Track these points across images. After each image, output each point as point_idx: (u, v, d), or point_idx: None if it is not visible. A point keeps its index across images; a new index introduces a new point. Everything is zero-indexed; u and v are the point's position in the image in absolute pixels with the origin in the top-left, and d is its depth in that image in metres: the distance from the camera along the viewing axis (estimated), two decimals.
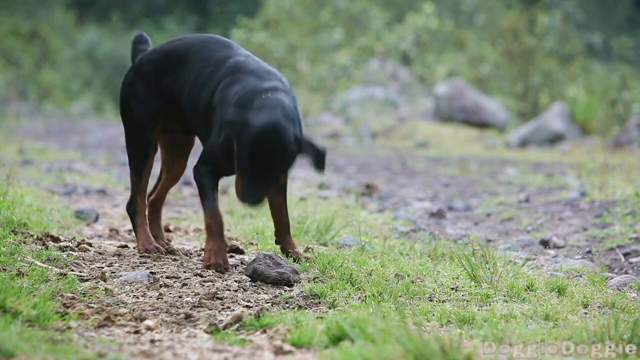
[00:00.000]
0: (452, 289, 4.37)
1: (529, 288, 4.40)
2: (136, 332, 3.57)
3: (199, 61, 4.61)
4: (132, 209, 4.86)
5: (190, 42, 4.72)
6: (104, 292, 4.08)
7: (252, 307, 3.97)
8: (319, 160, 4.27)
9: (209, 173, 4.45)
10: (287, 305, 4.02)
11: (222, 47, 4.65)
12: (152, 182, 5.06)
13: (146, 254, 4.78)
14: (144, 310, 3.84)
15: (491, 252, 4.66)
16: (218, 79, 4.50)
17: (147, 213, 4.92)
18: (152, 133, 4.76)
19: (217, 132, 4.39)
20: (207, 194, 4.45)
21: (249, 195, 4.23)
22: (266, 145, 4.17)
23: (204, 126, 4.55)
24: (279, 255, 4.48)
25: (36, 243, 4.82)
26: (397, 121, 17.16)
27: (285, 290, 4.21)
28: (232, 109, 4.33)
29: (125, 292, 4.14)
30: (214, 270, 4.46)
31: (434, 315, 3.89)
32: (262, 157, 4.19)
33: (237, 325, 3.62)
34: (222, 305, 3.98)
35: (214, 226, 4.44)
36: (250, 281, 4.35)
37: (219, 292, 4.16)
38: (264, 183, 4.25)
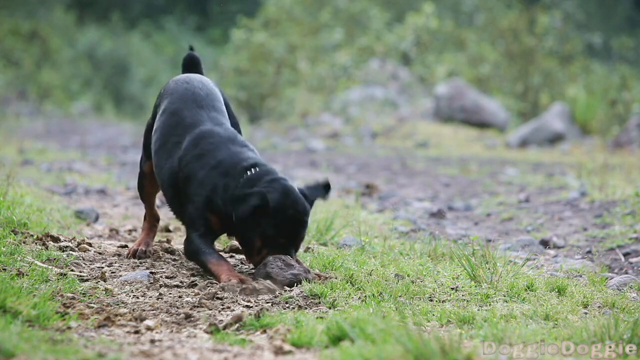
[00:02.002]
0: (452, 289, 4.37)
1: (529, 288, 4.40)
2: (136, 332, 3.57)
3: (167, 117, 4.73)
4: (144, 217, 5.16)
5: (173, 83, 4.86)
6: (104, 292, 4.08)
7: (252, 307, 3.97)
8: (326, 193, 4.46)
9: (203, 243, 4.42)
10: (287, 305, 4.02)
11: (193, 104, 4.70)
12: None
13: (130, 255, 4.83)
14: (144, 310, 3.84)
15: (491, 252, 4.66)
16: (182, 152, 4.55)
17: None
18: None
19: (192, 202, 4.42)
20: (207, 259, 4.39)
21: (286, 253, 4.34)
22: (290, 210, 4.29)
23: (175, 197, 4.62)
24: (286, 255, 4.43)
25: (36, 243, 4.82)
26: (397, 121, 17.16)
27: (286, 290, 4.21)
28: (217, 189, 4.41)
29: (125, 292, 4.13)
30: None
31: (434, 315, 3.89)
32: (289, 222, 4.29)
33: (237, 325, 3.62)
34: (222, 305, 3.98)
35: (224, 271, 4.35)
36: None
37: (219, 292, 4.15)
38: (296, 243, 4.38)
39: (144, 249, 4.87)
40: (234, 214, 4.24)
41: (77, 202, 7.09)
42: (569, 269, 5.13)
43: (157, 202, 7.36)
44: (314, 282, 4.26)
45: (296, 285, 4.24)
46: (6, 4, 25.18)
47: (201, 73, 5.06)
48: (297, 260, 4.39)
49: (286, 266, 4.27)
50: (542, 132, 15.10)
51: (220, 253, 4.70)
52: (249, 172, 4.36)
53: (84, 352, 3.21)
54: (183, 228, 6.02)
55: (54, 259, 4.53)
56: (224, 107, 4.77)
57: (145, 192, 5.09)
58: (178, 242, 5.53)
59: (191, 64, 5.10)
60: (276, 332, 3.53)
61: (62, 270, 4.35)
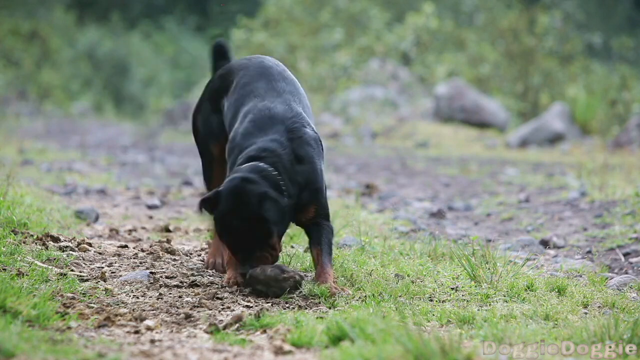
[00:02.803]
0: (452, 289, 4.37)
1: (529, 288, 4.40)
2: (136, 332, 3.57)
3: (239, 94, 4.54)
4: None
5: (246, 65, 4.65)
6: (104, 292, 4.08)
7: (252, 307, 3.97)
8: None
9: None
10: (287, 305, 4.02)
11: (269, 80, 4.53)
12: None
13: (205, 266, 4.71)
14: (144, 310, 3.84)
15: (491, 252, 4.66)
16: (241, 120, 4.42)
17: None
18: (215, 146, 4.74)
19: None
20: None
21: (241, 267, 4.17)
22: (230, 216, 4.09)
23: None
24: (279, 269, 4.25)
25: (36, 243, 4.82)
26: (397, 121, 17.16)
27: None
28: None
29: (125, 292, 4.13)
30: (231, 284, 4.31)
31: (434, 315, 3.89)
32: (238, 226, 4.08)
33: (237, 325, 3.62)
34: (222, 305, 3.98)
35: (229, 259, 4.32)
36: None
37: (219, 292, 4.15)
38: (251, 250, 4.13)
39: (220, 260, 4.67)
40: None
41: (77, 202, 7.09)
42: (569, 269, 5.13)
43: (157, 202, 7.37)
44: (307, 282, 4.22)
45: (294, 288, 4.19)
46: (6, 4, 25.17)
47: (229, 60, 4.87)
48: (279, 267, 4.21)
49: (279, 274, 4.19)
50: (542, 132, 15.09)
51: None
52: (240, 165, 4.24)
53: (84, 352, 3.21)
54: (183, 228, 6.03)
55: (54, 259, 4.53)
56: (296, 86, 4.57)
57: (215, 182, 4.67)
58: (178, 242, 5.53)
59: (221, 53, 4.91)
60: (276, 332, 3.53)
61: (62, 270, 4.35)
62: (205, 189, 4.81)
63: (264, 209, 4.07)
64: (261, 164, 4.19)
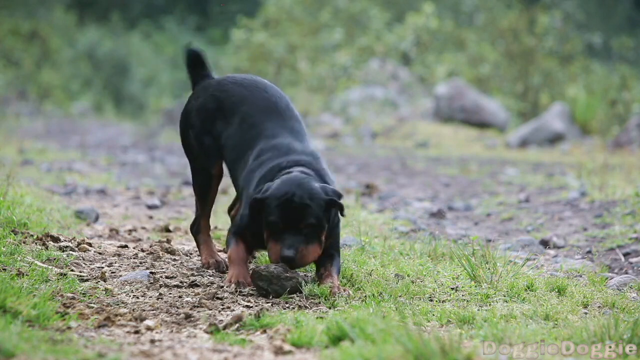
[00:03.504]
0: (452, 289, 4.37)
1: (529, 288, 4.40)
2: (136, 332, 3.57)
3: (243, 129, 4.53)
4: (195, 229, 4.81)
5: (241, 87, 4.65)
6: (104, 292, 4.08)
7: (252, 307, 3.97)
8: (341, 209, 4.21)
9: (238, 244, 4.35)
10: (287, 305, 4.02)
11: (267, 101, 4.55)
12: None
13: (207, 268, 4.69)
14: (144, 310, 3.84)
15: (491, 252, 4.66)
16: (254, 149, 4.43)
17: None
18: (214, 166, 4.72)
19: (245, 205, 4.36)
20: (237, 255, 4.34)
21: (284, 250, 4.10)
22: (289, 193, 4.11)
23: (239, 188, 4.53)
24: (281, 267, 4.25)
25: (36, 243, 4.82)
26: (397, 121, 17.16)
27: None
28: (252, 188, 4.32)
29: (125, 292, 4.14)
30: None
31: (434, 315, 3.89)
32: (288, 205, 4.09)
33: (237, 325, 3.62)
34: (222, 305, 3.98)
35: (234, 255, 4.32)
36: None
37: (219, 292, 4.16)
38: (299, 235, 4.11)
39: (221, 259, 4.69)
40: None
41: (77, 202, 7.09)
42: (569, 269, 5.13)
43: (157, 201, 7.37)
44: (307, 282, 4.23)
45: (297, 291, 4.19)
46: (6, 4, 25.18)
47: (209, 71, 4.83)
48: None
49: (282, 272, 4.19)
50: (542, 132, 15.10)
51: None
52: (283, 172, 4.27)
53: (84, 352, 3.21)
54: (183, 228, 6.03)
55: (54, 259, 4.53)
56: (300, 121, 4.61)
57: (211, 197, 4.75)
58: (178, 242, 5.53)
59: (197, 62, 4.87)
60: (276, 332, 3.53)
61: (62, 270, 4.35)
62: (197, 205, 4.79)
63: (324, 195, 4.15)
64: (305, 169, 4.27)
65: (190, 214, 6.91)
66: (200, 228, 4.79)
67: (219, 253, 4.92)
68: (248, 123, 4.53)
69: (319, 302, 4.04)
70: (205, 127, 4.65)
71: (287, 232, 4.11)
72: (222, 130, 4.60)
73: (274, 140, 4.44)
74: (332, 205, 4.17)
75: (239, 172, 4.50)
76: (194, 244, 5.47)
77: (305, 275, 4.33)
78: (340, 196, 4.21)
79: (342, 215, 4.22)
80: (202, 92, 4.73)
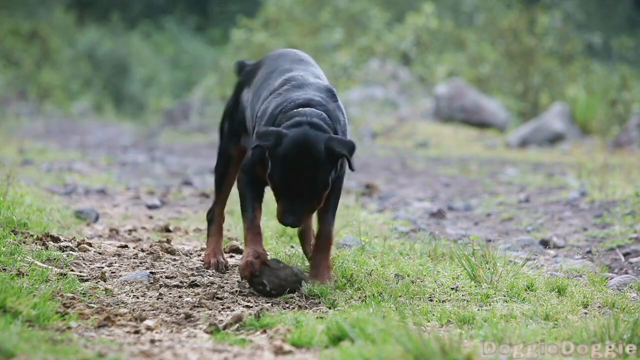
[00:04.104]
0: (452, 289, 4.37)
1: (529, 288, 4.40)
2: (136, 332, 3.57)
3: (265, 74, 4.52)
4: (210, 217, 4.79)
5: (268, 56, 4.67)
6: (104, 292, 4.08)
7: (252, 307, 3.97)
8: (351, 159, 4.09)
9: (249, 184, 4.29)
10: (287, 305, 4.02)
11: (292, 61, 4.53)
12: None
13: (206, 268, 4.67)
14: (144, 310, 3.84)
15: (491, 252, 4.66)
16: (271, 89, 4.37)
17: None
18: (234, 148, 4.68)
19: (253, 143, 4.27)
20: (247, 207, 4.26)
21: (286, 216, 4.06)
22: (295, 158, 3.99)
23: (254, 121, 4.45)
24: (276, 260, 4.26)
25: (36, 243, 4.82)
26: (397, 121, 17.16)
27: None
28: (264, 123, 4.21)
29: (125, 292, 4.14)
30: (245, 273, 4.18)
31: (434, 315, 3.89)
32: (293, 171, 4.00)
33: (237, 325, 3.62)
34: (222, 305, 3.98)
35: (250, 237, 4.22)
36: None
37: (219, 292, 4.16)
38: (302, 201, 4.05)
39: (222, 260, 4.65)
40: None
41: (77, 202, 7.09)
42: (569, 269, 5.13)
43: (157, 201, 7.37)
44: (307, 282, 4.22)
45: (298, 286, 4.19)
46: (6, 4, 25.18)
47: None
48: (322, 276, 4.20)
49: (283, 268, 4.19)
50: (542, 132, 15.09)
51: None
52: (296, 109, 4.13)
53: (84, 352, 3.21)
54: (183, 228, 6.03)
55: (54, 259, 4.53)
56: (318, 68, 4.56)
57: (227, 183, 4.71)
58: (178, 242, 5.53)
59: (242, 69, 4.85)
60: (276, 332, 3.54)
61: (62, 270, 4.35)
62: (214, 186, 4.78)
63: (328, 160, 4.04)
64: (317, 110, 4.13)
65: (190, 214, 6.91)
66: (213, 217, 4.77)
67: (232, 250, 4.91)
68: (267, 71, 4.52)
69: (319, 302, 4.04)
70: (235, 105, 4.68)
71: (291, 194, 4.04)
72: (245, 94, 4.60)
73: (288, 73, 4.39)
74: (339, 159, 4.09)
75: (255, 109, 4.44)
76: (194, 243, 5.48)
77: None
78: (351, 147, 4.08)
79: (352, 169, 4.08)
80: (240, 75, 4.78)
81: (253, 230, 4.23)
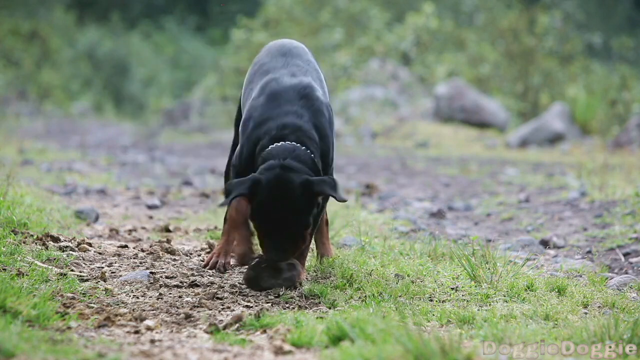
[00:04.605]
0: (452, 289, 4.37)
1: (529, 288, 4.40)
2: (136, 332, 3.57)
3: (253, 70, 4.54)
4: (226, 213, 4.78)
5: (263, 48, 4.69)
6: (104, 292, 4.08)
7: (252, 307, 3.97)
8: (336, 194, 4.08)
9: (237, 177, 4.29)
10: (287, 305, 4.02)
11: (274, 56, 4.51)
12: None
13: (207, 266, 4.66)
14: (144, 310, 3.84)
15: (491, 252, 4.66)
16: (253, 95, 4.37)
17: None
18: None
19: (240, 146, 4.29)
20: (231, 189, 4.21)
21: (273, 253, 4.10)
22: (272, 205, 4.01)
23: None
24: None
25: (36, 243, 4.82)
26: (397, 121, 17.16)
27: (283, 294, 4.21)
28: (244, 158, 4.22)
29: (125, 292, 4.14)
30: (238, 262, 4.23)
31: (434, 315, 3.89)
32: (272, 218, 4.04)
33: (237, 325, 3.62)
34: (222, 305, 3.98)
35: (230, 222, 4.26)
36: None
37: (219, 292, 4.16)
38: (285, 241, 4.10)
39: (223, 261, 4.62)
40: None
41: (77, 202, 7.09)
42: (569, 269, 5.13)
43: (157, 201, 7.37)
44: (307, 282, 4.24)
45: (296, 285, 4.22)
46: (6, 4, 25.18)
47: None
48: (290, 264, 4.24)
49: (276, 272, 4.21)
50: (542, 132, 15.10)
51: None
52: (270, 146, 4.14)
53: (84, 352, 3.21)
54: (183, 228, 6.03)
55: (54, 259, 4.53)
56: (311, 64, 4.51)
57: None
58: (178, 242, 5.53)
59: None
60: (276, 332, 3.53)
61: (62, 270, 4.35)
62: (225, 172, 4.78)
63: (306, 201, 4.05)
64: (291, 144, 4.13)
65: (190, 214, 6.91)
66: (226, 215, 4.77)
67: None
68: (254, 68, 4.54)
69: (319, 302, 4.04)
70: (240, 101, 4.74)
71: (274, 237, 4.09)
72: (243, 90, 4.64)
73: (266, 77, 4.38)
74: (308, 213, 4.10)
75: (244, 105, 4.48)
76: (194, 243, 5.47)
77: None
78: (331, 184, 4.06)
79: (341, 201, 4.10)
80: None
81: (231, 219, 4.25)
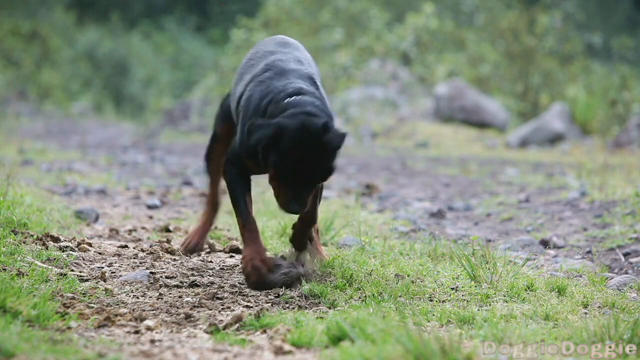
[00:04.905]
0: (452, 289, 4.37)
1: (529, 288, 4.40)
2: (136, 332, 3.57)
3: (250, 57, 4.54)
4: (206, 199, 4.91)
5: (257, 43, 4.69)
6: (104, 292, 4.08)
7: (252, 307, 3.97)
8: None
9: (238, 176, 4.28)
10: (287, 305, 4.02)
11: (277, 44, 4.52)
12: None
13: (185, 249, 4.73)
14: (144, 310, 3.84)
15: (491, 252, 4.66)
16: (254, 74, 4.35)
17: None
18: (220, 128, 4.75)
19: (241, 133, 4.24)
20: (239, 200, 4.25)
21: (293, 204, 4.06)
22: (300, 148, 3.97)
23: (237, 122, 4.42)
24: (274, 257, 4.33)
25: (36, 243, 4.82)
26: (397, 121, 17.16)
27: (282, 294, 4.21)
28: (257, 114, 4.17)
29: (125, 292, 4.14)
30: (253, 278, 4.20)
31: (434, 315, 3.89)
32: (299, 161, 3.99)
33: (237, 325, 3.62)
34: (222, 305, 3.98)
35: (247, 234, 4.23)
36: None
37: (219, 292, 4.16)
38: (307, 187, 4.08)
39: (196, 241, 4.67)
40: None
41: (77, 202, 7.09)
42: (569, 269, 5.13)
43: (157, 202, 7.37)
44: (313, 279, 4.25)
45: (296, 284, 4.21)
46: (6, 4, 25.18)
47: None
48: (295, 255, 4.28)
49: (275, 267, 4.22)
50: (542, 132, 15.10)
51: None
52: (288, 99, 4.10)
53: (84, 352, 3.21)
54: (183, 228, 6.03)
55: (54, 259, 4.53)
56: (311, 61, 4.51)
57: (214, 160, 4.73)
58: (178, 242, 5.53)
59: None
60: (276, 332, 3.53)
61: (62, 270, 4.35)
62: (204, 164, 4.85)
63: (332, 143, 4.02)
64: (310, 98, 4.11)
65: (190, 213, 6.91)
66: (207, 199, 4.87)
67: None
68: (251, 55, 4.54)
69: (319, 302, 4.04)
70: (227, 95, 4.77)
71: (297, 183, 4.04)
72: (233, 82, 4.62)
73: (270, 57, 4.38)
74: (332, 157, 4.09)
75: (237, 91, 4.42)
76: None
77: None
78: (345, 137, 4.08)
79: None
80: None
81: (250, 227, 4.24)
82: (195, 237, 4.80)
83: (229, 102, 4.67)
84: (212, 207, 4.88)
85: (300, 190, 4.06)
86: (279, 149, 3.99)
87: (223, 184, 4.63)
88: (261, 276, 4.17)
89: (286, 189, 4.06)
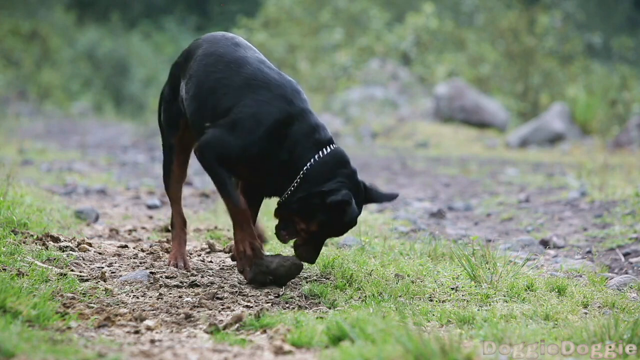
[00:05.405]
0: (452, 289, 4.37)
1: (529, 288, 4.40)
2: (136, 332, 3.57)
3: (205, 62, 4.43)
4: (171, 221, 4.75)
5: (199, 43, 4.56)
6: (104, 292, 4.08)
7: (252, 307, 3.97)
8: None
9: (216, 160, 4.25)
10: (287, 305, 4.02)
11: (235, 45, 4.44)
12: None
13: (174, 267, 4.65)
14: (144, 310, 3.84)
15: (491, 252, 4.66)
16: (233, 84, 4.28)
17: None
18: (174, 138, 4.64)
19: (242, 138, 4.20)
20: (225, 182, 4.24)
21: (314, 258, 4.30)
22: (343, 221, 4.21)
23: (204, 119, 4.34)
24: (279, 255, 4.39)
25: (36, 243, 4.82)
26: (397, 121, 17.16)
27: (283, 293, 4.21)
28: (269, 136, 4.19)
29: (125, 292, 4.14)
30: (249, 252, 4.26)
31: (434, 315, 3.89)
32: (346, 226, 4.24)
33: (237, 325, 3.62)
34: (222, 305, 3.98)
35: (239, 216, 4.25)
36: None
37: (219, 292, 4.16)
38: (321, 247, 4.35)
39: (182, 264, 4.60)
40: (326, 199, 4.14)
41: (77, 202, 7.09)
42: (569, 269, 5.13)
43: (157, 202, 7.37)
44: (307, 282, 4.26)
45: (293, 269, 4.25)
46: (6, 4, 25.18)
47: None
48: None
49: (282, 260, 4.26)
50: (542, 132, 15.10)
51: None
52: (325, 150, 4.24)
53: (84, 352, 3.21)
54: None
55: (54, 259, 4.53)
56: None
57: (175, 175, 4.70)
58: None
59: None
60: (276, 332, 3.53)
61: (62, 270, 4.35)
62: (164, 182, 4.74)
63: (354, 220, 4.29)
64: (339, 150, 4.33)
65: (190, 214, 6.91)
66: (172, 221, 4.71)
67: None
68: (208, 59, 4.44)
69: (319, 302, 4.05)
70: (167, 96, 4.70)
71: (321, 240, 4.28)
72: (182, 84, 4.55)
73: (244, 69, 4.32)
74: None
75: (202, 98, 4.36)
76: (194, 243, 5.48)
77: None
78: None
79: None
80: (175, 61, 4.86)
81: (241, 213, 4.25)
82: (180, 260, 4.63)
83: (178, 105, 4.56)
84: (181, 226, 4.69)
85: (321, 245, 4.30)
86: (342, 214, 4.17)
87: (185, 202, 4.67)
88: (255, 249, 4.21)
89: (314, 243, 4.26)
